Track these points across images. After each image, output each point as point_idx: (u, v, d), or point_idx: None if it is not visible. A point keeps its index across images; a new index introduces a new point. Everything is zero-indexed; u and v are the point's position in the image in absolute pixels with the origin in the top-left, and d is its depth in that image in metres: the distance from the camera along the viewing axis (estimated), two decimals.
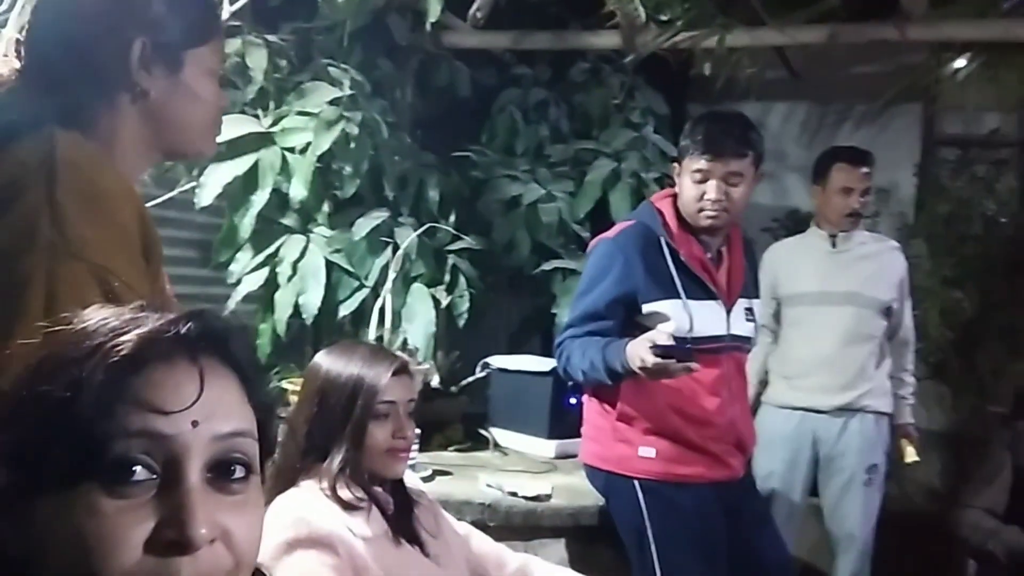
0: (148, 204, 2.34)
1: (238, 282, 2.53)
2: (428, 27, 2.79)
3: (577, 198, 3.11)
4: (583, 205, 3.07)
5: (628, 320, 2.02)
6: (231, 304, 2.55)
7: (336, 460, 1.40)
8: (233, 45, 2.49)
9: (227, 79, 2.54)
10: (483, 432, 2.58)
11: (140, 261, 0.94)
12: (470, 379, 2.61)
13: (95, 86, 0.98)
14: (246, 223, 2.45)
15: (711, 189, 2.00)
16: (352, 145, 2.51)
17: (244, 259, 2.52)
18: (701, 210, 2.02)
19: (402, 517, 1.49)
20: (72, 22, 0.97)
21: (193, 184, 2.42)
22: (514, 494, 2.08)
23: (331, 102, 2.55)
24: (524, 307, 3.19)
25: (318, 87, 2.58)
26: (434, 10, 2.62)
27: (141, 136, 1.01)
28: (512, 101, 3.47)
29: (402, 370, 1.48)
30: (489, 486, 2.13)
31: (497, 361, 2.70)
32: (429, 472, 2.21)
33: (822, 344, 2.82)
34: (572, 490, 2.20)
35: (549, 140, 3.41)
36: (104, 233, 0.89)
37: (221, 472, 0.65)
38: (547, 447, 2.55)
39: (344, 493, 1.40)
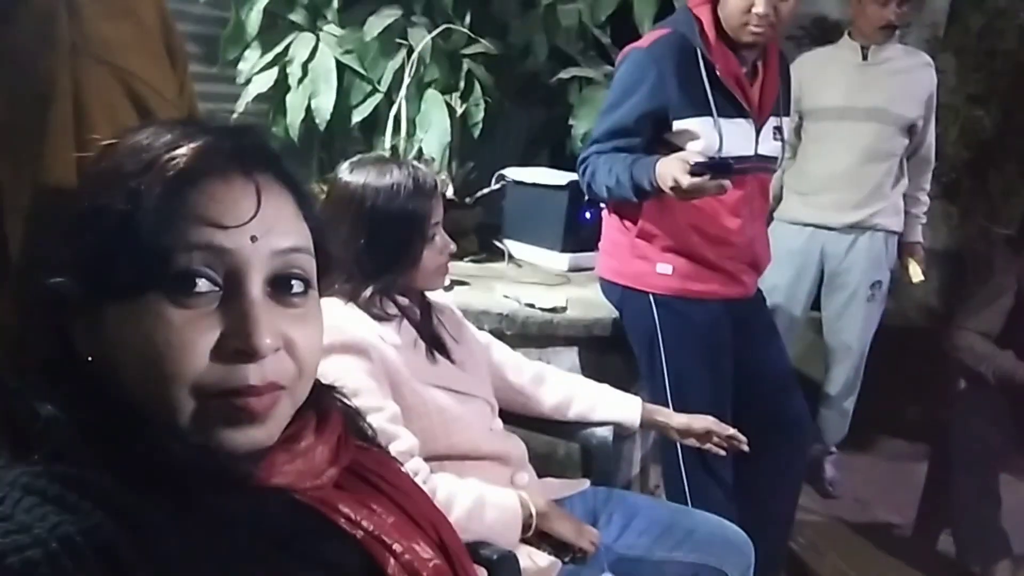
0: None
1: (247, 82, 2.43)
2: None
3: (596, 2, 2.93)
4: (604, 7, 2.89)
5: (656, 137, 1.97)
6: (241, 105, 2.46)
7: (381, 282, 1.42)
8: None
9: None
10: (498, 244, 2.59)
11: (164, 61, 0.90)
12: (485, 191, 2.58)
13: None
14: (253, 18, 2.31)
15: (760, 3, 1.88)
16: None
17: (252, 58, 2.41)
18: (746, 24, 1.91)
19: (428, 326, 1.53)
20: None
21: None
22: (531, 305, 2.12)
23: None
24: (539, 117, 3.10)
25: None
26: None
27: None
28: None
29: (440, 188, 1.47)
30: (506, 297, 2.16)
31: (513, 173, 2.66)
32: (448, 283, 2.23)
33: (841, 160, 2.78)
34: (585, 302, 2.24)
35: None
36: (125, 32, 0.85)
37: (281, 286, 0.67)
38: (561, 260, 2.57)
39: (376, 306, 1.43)
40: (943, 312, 3.61)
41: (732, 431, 1.71)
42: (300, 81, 2.40)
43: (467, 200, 2.59)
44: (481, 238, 2.63)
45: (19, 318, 0.63)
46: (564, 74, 2.86)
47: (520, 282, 2.37)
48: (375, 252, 1.41)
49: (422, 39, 2.48)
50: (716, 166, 1.69)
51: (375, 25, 2.46)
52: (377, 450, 0.82)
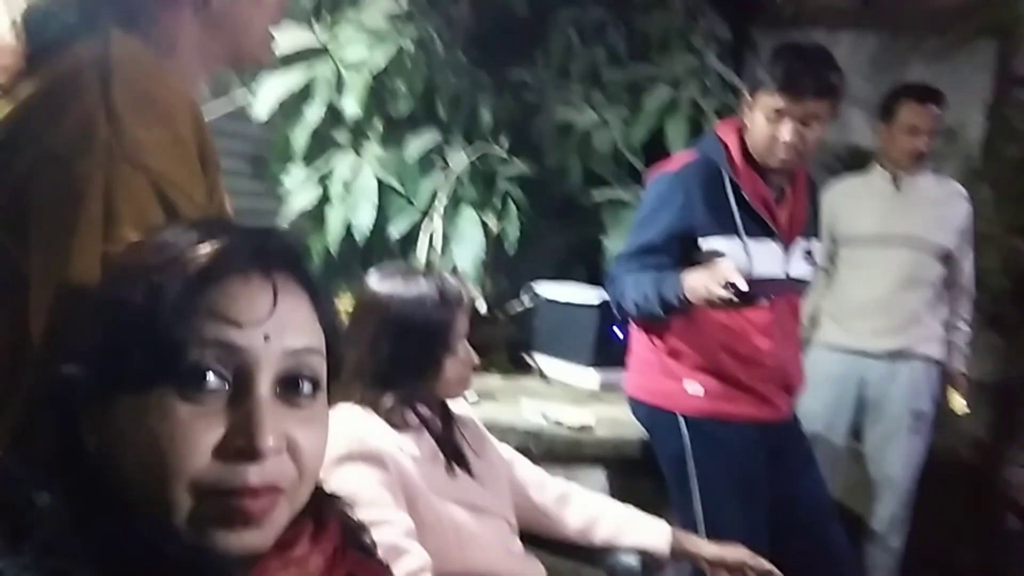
0: (208, 115, 2.33)
1: (292, 198, 2.52)
2: None
3: (632, 126, 3.02)
4: (638, 133, 2.99)
5: (684, 256, 1.99)
6: (284, 220, 2.55)
7: (403, 392, 1.42)
8: None
9: None
10: (528, 359, 2.58)
11: (197, 169, 0.91)
12: (516, 306, 2.60)
13: None
14: (299, 138, 2.43)
15: (787, 130, 1.92)
16: (408, 63, 2.46)
17: (297, 174, 2.51)
18: (773, 149, 1.95)
19: (449, 438, 1.51)
20: None
21: (248, 97, 2.39)
22: (558, 423, 2.09)
23: (388, 17, 2.48)
24: (573, 236, 3.15)
25: (376, 1, 2.51)
26: None
27: (201, 43, 0.98)
28: (569, 20, 3.35)
29: (465, 299, 1.48)
30: (533, 413, 2.14)
31: (544, 289, 2.69)
32: (476, 398, 2.22)
33: (877, 287, 2.76)
34: (615, 421, 2.21)
35: (606, 63, 3.31)
36: (160, 138, 0.86)
37: (290, 386, 0.66)
38: (591, 377, 2.55)
39: (396, 415, 1.42)
40: (995, 448, 3.47)
41: (768, 565, 1.62)
42: (341, 198, 2.48)
43: (498, 315, 2.61)
44: (512, 353, 2.63)
45: (30, 404, 0.64)
46: (598, 196, 2.92)
47: (549, 398, 2.35)
48: (397, 361, 1.41)
49: (460, 160, 2.56)
50: (743, 296, 1.69)
51: (416, 147, 2.56)
52: (376, 563, 0.80)
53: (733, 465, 1.99)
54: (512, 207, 2.74)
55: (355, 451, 1.34)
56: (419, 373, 1.43)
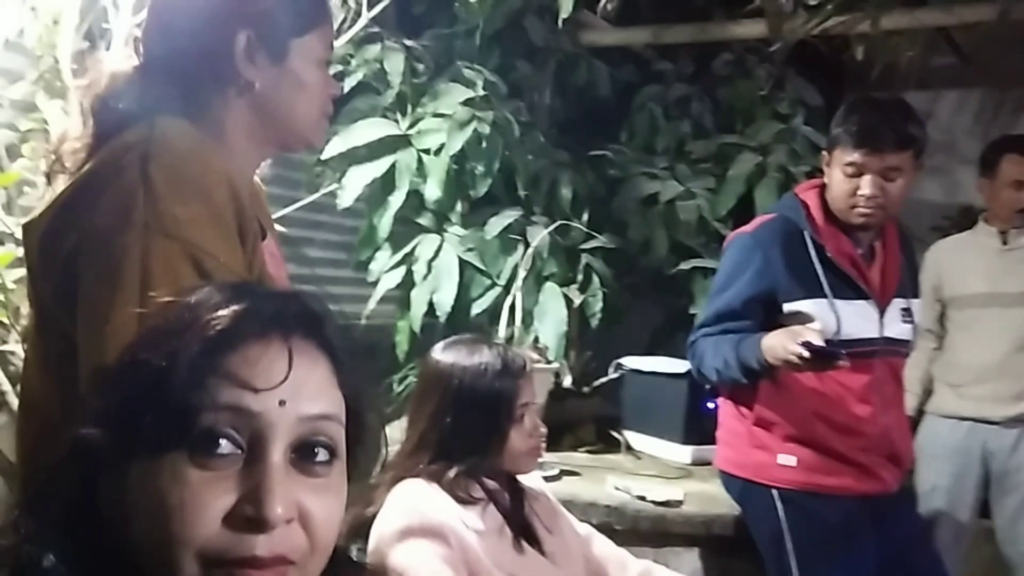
0: (296, 206, 2.44)
1: (377, 281, 2.60)
2: (561, 24, 2.77)
3: (718, 195, 2.99)
4: (725, 202, 2.95)
5: (767, 320, 1.91)
6: (371, 303, 2.62)
7: (468, 464, 1.40)
8: (372, 51, 2.56)
9: (367, 83, 2.62)
10: (615, 434, 2.51)
11: (234, 241, 0.95)
12: (603, 380, 2.56)
13: (203, 79, 1.01)
14: (384, 223, 2.51)
15: (866, 185, 1.84)
16: (484, 144, 2.53)
17: (383, 258, 2.59)
18: (854, 206, 1.87)
19: (517, 512, 1.47)
20: (180, 18, 1.00)
21: (335, 187, 2.51)
22: (642, 498, 2.01)
23: (464, 103, 2.57)
24: (663, 307, 3.10)
25: (452, 89, 2.61)
26: (566, 6, 2.60)
27: (250, 127, 1.04)
28: (652, 98, 3.39)
29: (529, 371, 1.47)
30: (617, 489, 2.06)
31: (631, 362, 2.63)
32: (556, 471, 2.17)
33: (993, 349, 2.57)
34: (706, 497, 2.10)
35: (691, 136, 3.31)
36: (196, 212, 0.91)
37: (305, 454, 0.65)
38: (682, 452, 2.46)
39: (460, 488, 1.40)
40: None
41: None
42: (424, 277, 2.54)
43: (584, 389, 2.57)
44: (599, 428, 2.57)
45: (51, 465, 0.66)
46: (685, 265, 2.87)
47: (636, 474, 2.27)
48: (461, 432, 1.40)
49: (539, 235, 2.59)
50: (823, 353, 1.60)
51: (496, 225, 2.60)
52: None
53: (834, 542, 1.85)
54: (595, 280, 2.73)
55: (416, 526, 1.32)
56: (483, 444, 1.41)
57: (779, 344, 1.67)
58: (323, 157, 2.48)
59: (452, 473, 1.39)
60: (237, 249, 0.95)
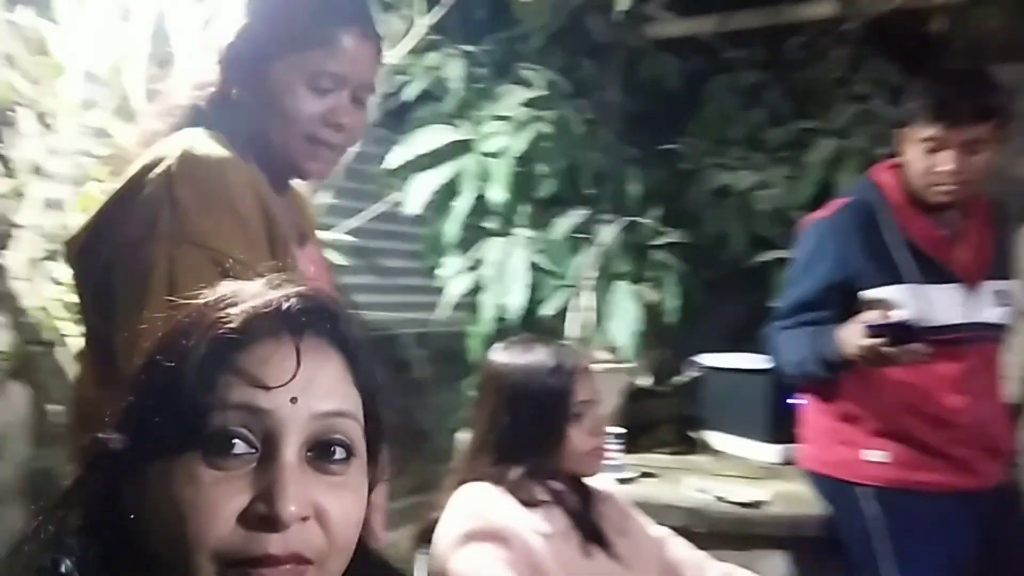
0: (365, 217, 2.46)
1: (446, 288, 2.60)
2: (622, 17, 2.72)
3: (796, 183, 2.87)
4: (803, 189, 2.83)
5: (846, 310, 1.81)
6: (442, 310, 2.62)
7: (529, 465, 1.38)
8: (431, 59, 2.57)
9: (429, 92, 2.63)
10: (695, 435, 2.44)
11: (262, 247, 0.97)
12: (681, 378, 2.49)
13: (224, 86, 1.04)
14: (451, 229, 2.51)
15: (945, 160, 1.73)
16: (546, 145, 2.50)
17: (450, 265, 2.59)
18: (934, 184, 1.77)
19: (584, 514, 1.43)
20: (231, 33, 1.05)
21: (400, 196, 2.52)
22: (723, 499, 1.94)
23: (525, 104, 2.55)
24: (742, 302, 2.99)
25: (512, 90, 2.60)
26: (623, 1, 2.55)
27: (243, 141, 1.05)
28: (723, 87, 3.29)
29: (586, 368, 1.43)
30: (697, 490, 2.00)
31: (709, 359, 2.55)
32: (634, 474, 2.12)
33: None
34: (794, 498, 2.01)
35: (765, 124, 3.19)
36: (221, 221, 0.94)
37: (322, 452, 0.64)
38: (769, 451, 2.37)
39: (523, 491, 1.37)
40: None
41: None
42: (493, 282, 2.52)
43: (662, 389, 2.50)
44: (680, 429, 2.50)
45: (76, 471, 0.67)
46: (763, 257, 2.77)
47: (718, 475, 2.19)
48: (518, 432, 1.37)
49: (608, 234, 2.54)
50: (895, 328, 1.51)
51: (562, 225, 2.57)
52: None
53: (929, 541, 1.74)
54: (668, 277, 2.66)
55: (477, 529, 1.30)
56: (541, 444, 1.38)
57: (847, 338, 1.59)
58: (387, 167, 2.50)
59: (514, 475, 1.37)
60: (264, 255, 0.97)
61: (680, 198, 2.95)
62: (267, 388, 0.62)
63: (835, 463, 1.87)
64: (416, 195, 2.48)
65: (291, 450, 0.62)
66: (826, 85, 3.18)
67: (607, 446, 1.45)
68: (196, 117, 1.07)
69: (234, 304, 0.65)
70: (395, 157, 2.47)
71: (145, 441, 0.62)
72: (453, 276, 2.57)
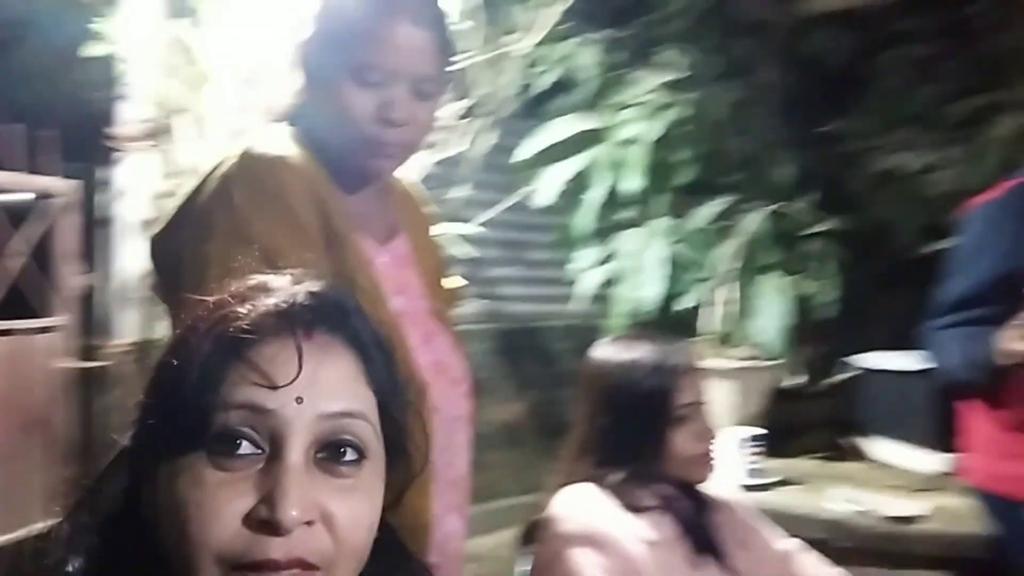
0: (500, 208, 2.46)
1: (579, 280, 2.54)
2: None
3: (973, 164, 2.57)
4: (982, 171, 2.53)
5: (1012, 308, 1.59)
6: (576, 303, 2.57)
7: (631, 468, 1.31)
8: (565, 48, 2.52)
9: (564, 82, 2.58)
10: (849, 440, 2.25)
11: (319, 248, 0.97)
12: (836, 379, 2.30)
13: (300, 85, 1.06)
14: (583, 221, 2.45)
15: None
16: (685, 129, 2.38)
17: (584, 257, 2.53)
18: None
19: (697, 523, 1.33)
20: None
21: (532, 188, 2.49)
22: (872, 512, 1.76)
23: (663, 88, 2.44)
24: (908, 296, 2.72)
25: (649, 75, 2.49)
26: None
27: (316, 139, 1.04)
28: (894, 61, 3.02)
29: (692, 366, 1.33)
30: (845, 501, 1.83)
31: (870, 359, 2.34)
32: (772, 480, 1.97)
33: None
34: (958, 513, 1.80)
35: (940, 100, 2.89)
36: (273, 220, 0.95)
37: (332, 453, 0.61)
38: (933, 461, 2.14)
39: (629, 496, 1.29)
40: None
41: None
42: (628, 274, 2.44)
43: (814, 390, 2.32)
44: (833, 433, 2.31)
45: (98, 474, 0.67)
46: (934, 247, 2.50)
47: (872, 485, 2.00)
48: (617, 434, 1.30)
49: (755, 222, 2.39)
50: None
51: (703, 214, 2.44)
52: None
53: None
54: (824, 267, 2.47)
55: (575, 534, 1.25)
56: (641, 447, 1.30)
57: (1004, 342, 1.39)
58: (517, 159, 2.47)
59: (615, 478, 1.30)
60: (321, 254, 0.97)
61: (840, 183, 2.73)
62: (272, 387, 0.59)
63: (1001, 478, 1.65)
64: (546, 187, 2.43)
65: (296, 451, 0.59)
66: (1013, 55, 2.83)
67: (714, 451, 1.33)
68: (287, 115, 1.09)
69: (244, 301, 0.63)
70: (525, 149, 2.45)
71: (155, 441, 0.61)
72: (586, 269, 2.50)
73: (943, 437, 2.14)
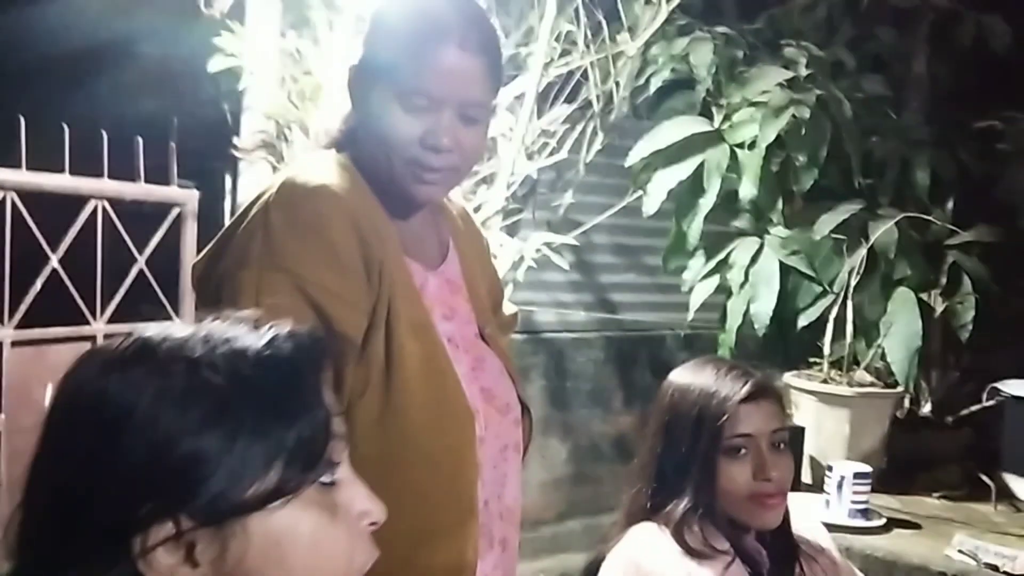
0: (609, 213, 2.37)
1: (691, 291, 2.40)
2: None
3: None
4: None
5: None
6: (690, 314, 2.44)
7: (684, 502, 1.21)
8: (680, 45, 2.39)
9: (681, 81, 2.45)
10: (987, 478, 2.01)
11: (356, 274, 0.95)
12: (974, 408, 2.06)
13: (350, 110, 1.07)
14: (694, 229, 2.31)
15: None
16: (805, 131, 2.20)
17: (696, 266, 2.39)
18: None
19: (775, 573, 1.21)
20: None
21: (640, 193, 2.38)
22: (993, 567, 1.55)
23: (786, 85, 2.26)
24: None
25: (766, 72, 2.32)
26: None
27: (366, 166, 1.03)
28: None
29: (761, 394, 1.21)
30: (961, 552, 1.63)
31: (1015, 386, 2.08)
32: (883, 521, 1.79)
33: None
34: None
35: None
36: (310, 246, 0.93)
37: None
38: None
39: (692, 537, 1.19)
40: None
41: None
42: (742, 286, 2.28)
43: (948, 419, 2.09)
44: (968, 469, 2.07)
45: None
46: None
47: (1008, 532, 1.77)
48: (668, 458, 1.22)
49: (886, 232, 2.18)
50: None
51: (827, 223, 2.25)
52: None
53: None
54: (965, 283, 2.22)
55: None
56: (687, 473, 1.20)
57: None
58: (628, 164, 2.36)
59: (675, 512, 1.19)
60: (356, 281, 0.95)
61: (993, 187, 2.44)
62: None
63: None
64: (655, 192, 2.32)
65: None
66: None
67: (777, 493, 1.19)
68: (337, 140, 1.08)
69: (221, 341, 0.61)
70: (636, 152, 2.34)
71: None
72: (698, 279, 2.37)
73: None
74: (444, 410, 1.00)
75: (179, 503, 0.56)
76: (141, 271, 2.11)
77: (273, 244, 0.92)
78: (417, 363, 0.99)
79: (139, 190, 2.08)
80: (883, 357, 2.16)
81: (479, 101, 1.00)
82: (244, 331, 0.63)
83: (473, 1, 1.04)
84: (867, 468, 1.80)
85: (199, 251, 2.31)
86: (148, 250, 2.12)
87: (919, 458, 2.04)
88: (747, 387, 1.20)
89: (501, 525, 1.08)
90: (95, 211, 1.83)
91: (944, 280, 2.25)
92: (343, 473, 0.62)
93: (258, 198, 0.99)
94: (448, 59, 0.97)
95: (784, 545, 1.25)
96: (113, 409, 0.57)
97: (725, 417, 1.18)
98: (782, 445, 1.22)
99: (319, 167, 1.01)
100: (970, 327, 2.19)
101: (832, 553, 1.31)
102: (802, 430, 2.06)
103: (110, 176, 1.89)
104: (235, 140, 2.20)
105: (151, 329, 0.63)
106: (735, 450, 1.18)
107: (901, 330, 2.15)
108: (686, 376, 1.25)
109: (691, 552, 1.18)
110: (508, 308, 1.28)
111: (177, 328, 0.63)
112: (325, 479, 0.60)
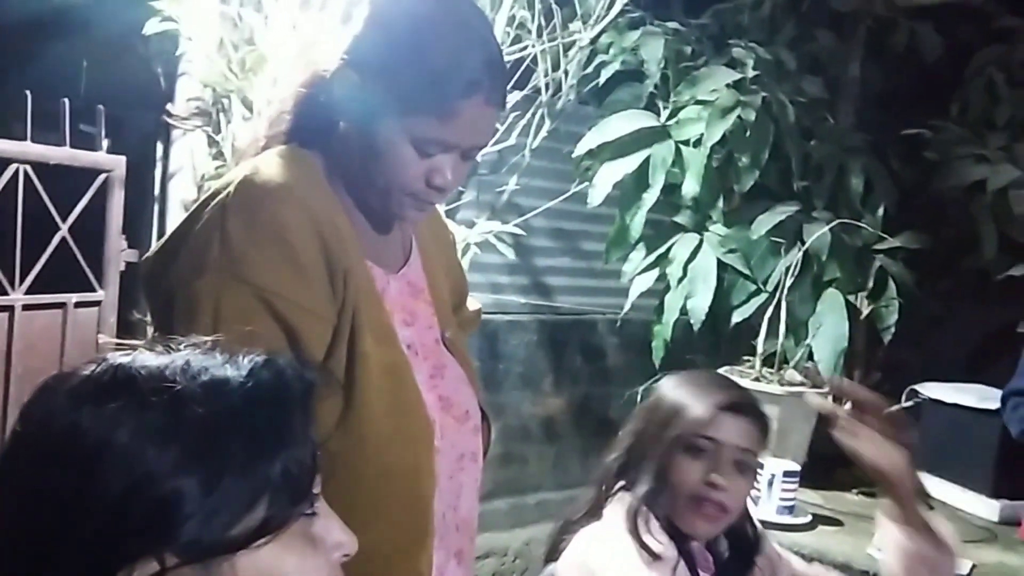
0: (555, 201, 2.36)
1: (630, 284, 2.44)
2: None
3: None
4: None
5: None
6: (626, 306, 2.47)
7: (639, 490, 1.23)
8: (631, 38, 2.39)
9: (631, 72, 2.45)
10: None
11: (319, 283, 0.93)
12: (892, 408, 2.14)
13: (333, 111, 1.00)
14: (636, 222, 2.34)
15: None
16: (749, 133, 2.24)
17: (636, 259, 2.42)
18: None
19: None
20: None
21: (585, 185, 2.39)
22: None
23: (732, 85, 2.30)
24: (984, 322, 2.54)
25: (715, 72, 2.34)
26: None
27: (342, 172, 1.01)
28: (992, 61, 2.78)
29: (743, 410, 1.23)
30: (879, 550, 1.71)
31: (932, 389, 2.18)
32: (808, 518, 1.86)
33: None
34: (1008, 572, 1.66)
35: None
36: (270, 256, 0.90)
37: None
38: (988, 508, 1.99)
39: (649, 539, 1.21)
40: None
41: None
42: (680, 281, 2.33)
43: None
44: None
45: None
46: (1017, 271, 2.32)
47: None
48: (636, 444, 1.26)
49: (819, 234, 2.25)
50: None
51: (764, 223, 2.30)
52: None
53: None
54: (891, 287, 2.31)
55: None
56: (649, 462, 1.23)
57: None
58: (576, 154, 2.36)
59: (634, 501, 1.21)
60: (320, 289, 0.93)
61: (921, 194, 2.54)
62: None
63: None
64: (600, 185, 2.33)
65: None
66: None
67: (718, 504, 1.22)
68: (300, 132, 1.03)
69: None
70: (584, 143, 2.34)
71: None
72: (637, 272, 2.40)
73: (1001, 481, 1.99)
74: (403, 422, 0.98)
75: (162, 541, 0.53)
76: (64, 239, 2.01)
77: (232, 252, 0.88)
78: (379, 372, 0.97)
79: (64, 154, 1.97)
80: (811, 356, 2.24)
81: (484, 145, 1.02)
82: (221, 360, 0.60)
83: (499, 48, 1.01)
84: (796, 466, 1.88)
85: (125, 220, 2.20)
86: (72, 217, 2.02)
87: (838, 454, 2.11)
88: (732, 396, 1.23)
89: (457, 537, 1.07)
90: (16, 174, 1.74)
91: (871, 283, 2.33)
92: (319, 502, 0.61)
93: (214, 195, 0.94)
94: (472, 112, 0.95)
95: (741, 544, 1.29)
96: (88, 445, 0.54)
97: (701, 414, 1.20)
98: (745, 468, 1.24)
99: (278, 164, 0.97)
100: (893, 330, 2.29)
101: (772, 549, 1.35)
102: None
103: (33, 139, 1.79)
104: (169, 107, 2.11)
105: (121, 356, 0.60)
106: (697, 449, 1.20)
107: (829, 331, 2.23)
108: (679, 379, 1.29)
109: (649, 553, 1.19)
110: (472, 304, 1.27)
111: (149, 356, 0.60)
112: (307, 511, 0.59)
